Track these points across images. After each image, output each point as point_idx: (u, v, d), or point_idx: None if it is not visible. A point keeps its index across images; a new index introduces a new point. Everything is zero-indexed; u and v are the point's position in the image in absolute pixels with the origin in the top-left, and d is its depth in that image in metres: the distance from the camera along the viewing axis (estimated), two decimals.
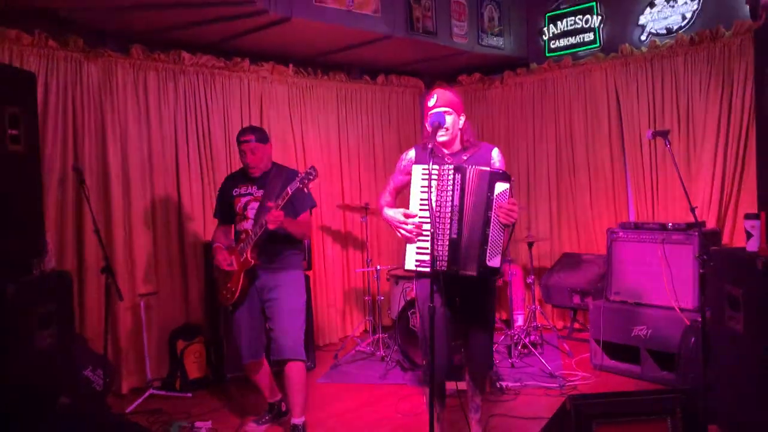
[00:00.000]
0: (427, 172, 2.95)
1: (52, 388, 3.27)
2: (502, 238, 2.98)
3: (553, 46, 6.20)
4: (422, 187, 2.99)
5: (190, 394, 4.56)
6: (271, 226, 3.38)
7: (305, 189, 3.42)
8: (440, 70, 6.75)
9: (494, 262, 2.96)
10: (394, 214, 3.09)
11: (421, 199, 2.99)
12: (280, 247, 3.62)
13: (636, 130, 5.52)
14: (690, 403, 2.56)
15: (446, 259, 2.95)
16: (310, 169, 3.39)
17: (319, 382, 4.83)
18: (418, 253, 3.01)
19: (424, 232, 2.96)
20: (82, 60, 4.50)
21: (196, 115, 5.10)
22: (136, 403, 4.35)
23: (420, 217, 2.99)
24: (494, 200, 2.91)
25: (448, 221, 2.95)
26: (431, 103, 3.12)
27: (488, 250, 2.94)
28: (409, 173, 3.11)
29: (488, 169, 2.98)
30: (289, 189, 3.39)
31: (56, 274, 3.54)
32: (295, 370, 3.57)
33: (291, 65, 5.68)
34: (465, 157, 3.12)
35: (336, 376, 4.95)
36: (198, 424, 3.96)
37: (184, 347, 4.72)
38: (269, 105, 5.57)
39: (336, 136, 6.13)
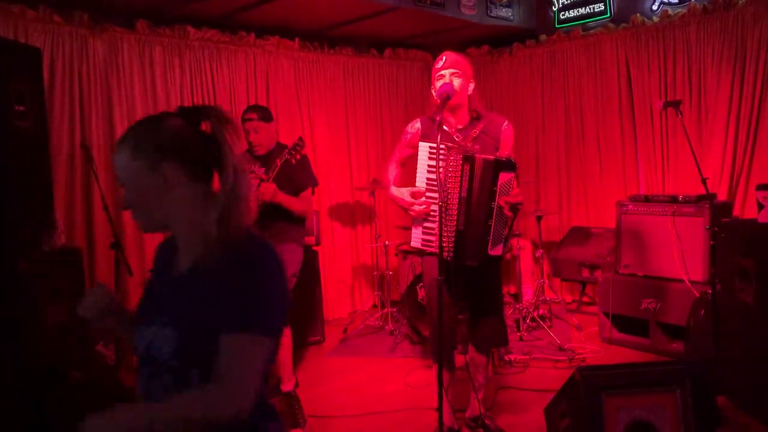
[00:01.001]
0: (434, 151, 2.90)
1: (65, 362, 3.31)
2: (504, 226, 2.95)
3: (562, 17, 6.11)
4: (429, 166, 2.95)
5: None
6: (261, 198, 3.39)
7: (293, 160, 3.41)
8: (448, 43, 6.61)
9: (495, 250, 2.94)
10: (400, 194, 3.05)
11: (428, 179, 2.96)
12: (278, 223, 3.59)
13: (647, 102, 5.45)
14: (699, 375, 2.56)
15: (452, 249, 2.94)
16: (297, 140, 3.41)
17: (329, 355, 4.87)
18: (424, 232, 3.00)
19: (432, 212, 2.94)
20: (88, 35, 4.47)
21: (202, 90, 5.08)
22: None
23: (427, 197, 2.96)
24: (498, 191, 2.87)
25: (455, 213, 2.92)
26: (440, 64, 3.04)
27: (490, 241, 2.92)
28: (415, 147, 3.06)
29: (492, 158, 2.91)
30: (278, 161, 3.40)
31: (66, 251, 3.56)
32: None
33: (297, 39, 5.63)
34: (475, 133, 3.04)
35: (345, 350, 4.98)
36: None
37: None
38: (275, 80, 5.53)
39: (343, 111, 6.09)
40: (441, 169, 2.84)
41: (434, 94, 3.06)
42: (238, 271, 1.29)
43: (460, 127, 3.07)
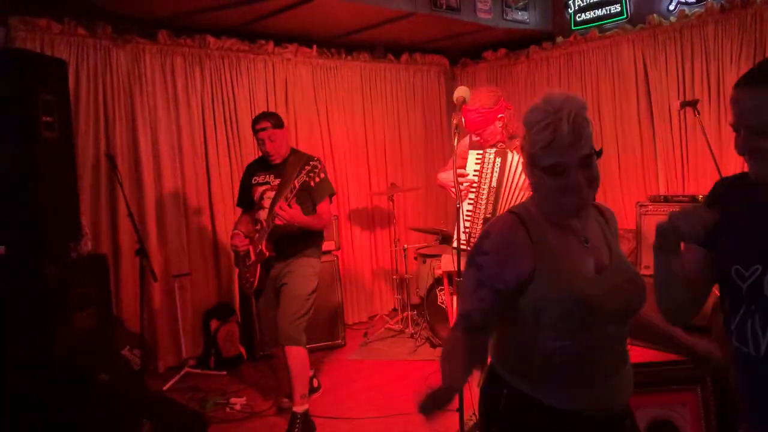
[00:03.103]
0: (480, 157, 3.12)
1: (92, 366, 3.39)
2: None
3: (579, 19, 6.11)
4: (474, 170, 3.13)
5: (224, 372, 4.67)
6: (277, 221, 3.37)
7: (311, 183, 3.30)
8: (465, 47, 6.69)
9: None
10: (447, 175, 3.15)
11: (474, 173, 3.13)
12: (295, 240, 3.57)
13: (665, 102, 5.43)
14: (720, 373, 2.55)
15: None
16: (316, 161, 3.29)
17: (350, 359, 4.91)
18: (464, 232, 3.07)
19: (467, 209, 3.08)
20: (111, 47, 4.57)
21: (223, 99, 5.16)
22: (173, 380, 4.47)
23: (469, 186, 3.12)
24: None
25: (484, 200, 3.01)
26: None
27: None
28: (465, 158, 3.19)
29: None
30: (296, 182, 3.31)
31: (93, 257, 3.66)
32: (291, 356, 3.48)
33: (315, 47, 5.70)
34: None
35: (366, 353, 5.02)
36: (233, 400, 4.07)
37: (217, 327, 4.82)
38: (294, 87, 5.60)
39: (361, 117, 6.14)
40: (478, 169, 3.08)
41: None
42: None
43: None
